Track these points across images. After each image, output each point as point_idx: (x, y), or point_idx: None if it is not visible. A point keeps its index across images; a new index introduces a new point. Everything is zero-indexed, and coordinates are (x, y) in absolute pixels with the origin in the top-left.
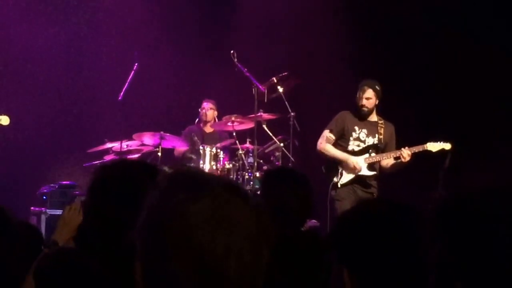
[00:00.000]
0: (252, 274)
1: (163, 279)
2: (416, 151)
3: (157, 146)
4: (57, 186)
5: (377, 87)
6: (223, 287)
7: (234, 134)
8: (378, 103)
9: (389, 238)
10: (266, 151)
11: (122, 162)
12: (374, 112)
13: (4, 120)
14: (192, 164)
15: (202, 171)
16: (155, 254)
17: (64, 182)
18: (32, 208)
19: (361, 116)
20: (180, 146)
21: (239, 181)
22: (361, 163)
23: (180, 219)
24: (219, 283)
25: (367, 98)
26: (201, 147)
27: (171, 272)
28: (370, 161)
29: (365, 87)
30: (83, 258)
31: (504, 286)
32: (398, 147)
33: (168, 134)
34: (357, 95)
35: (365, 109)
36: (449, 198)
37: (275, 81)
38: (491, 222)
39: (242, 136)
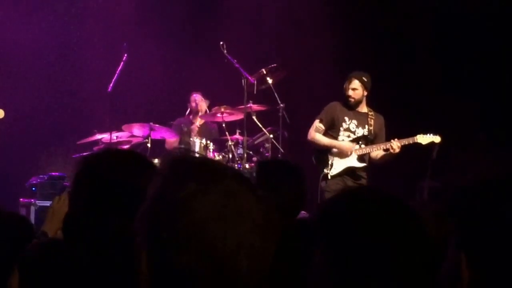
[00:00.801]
0: (262, 267)
1: (172, 271)
2: (406, 143)
3: (146, 137)
4: (46, 178)
5: (364, 78)
6: (235, 280)
7: (224, 125)
8: (368, 94)
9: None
10: (256, 142)
11: (107, 151)
12: (364, 103)
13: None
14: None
15: (206, 158)
16: (164, 245)
17: (54, 174)
18: (21, 199)
19: (350, 106)
20: (169, 137)
21: None
22: (353, 148)
23: (189, 211)
24: (231, 277)
25: (353, 89)
26: (191, 139)
27: (181, 264)
28: (360, 153)
29: (352, 78)
30: (67, 249)
31: None
32: (388, 139)
33: (157, 125)
34: (344, 86)
35: (351, 99)
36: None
37: (265, 72)
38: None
39: (231, 127)
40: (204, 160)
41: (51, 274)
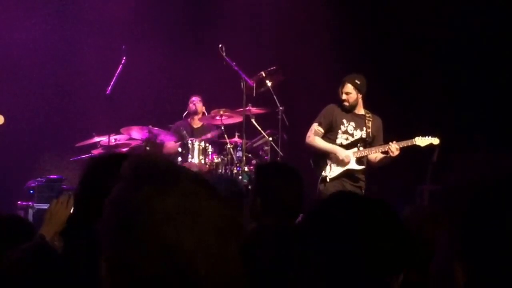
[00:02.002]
0: (222, 268)
1: (130, 276)
2: (405, 145)
3: (145, 140)
4: (44, 180)
5: (357, 81)
6: (192, 282)
7: (222, 128)
8: (363, 96)
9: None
10: (255, 145)
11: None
12: (361, 105)
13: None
14: (180, 159)
15: (166, 160)
16: (121, 251)
17: (52, 176)
18: (19, 202)
19: (346, 109)
20: (168, 140)
21: (228, 175)
22: (350, 156)
23: (146, 214)
24: (190, 279)
25: (347, 93)
26: (189, 141)
27: (137, 268)
28: (358, 155)
29: (345, 82)
30: (50, 254)
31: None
32: (386, 141)
33: (156, 128)
34: (339, 90)
35: (346, 103)
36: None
37: (264, 75)
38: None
39: (230, 130)
40: (162, 163)
41: (29, 279)
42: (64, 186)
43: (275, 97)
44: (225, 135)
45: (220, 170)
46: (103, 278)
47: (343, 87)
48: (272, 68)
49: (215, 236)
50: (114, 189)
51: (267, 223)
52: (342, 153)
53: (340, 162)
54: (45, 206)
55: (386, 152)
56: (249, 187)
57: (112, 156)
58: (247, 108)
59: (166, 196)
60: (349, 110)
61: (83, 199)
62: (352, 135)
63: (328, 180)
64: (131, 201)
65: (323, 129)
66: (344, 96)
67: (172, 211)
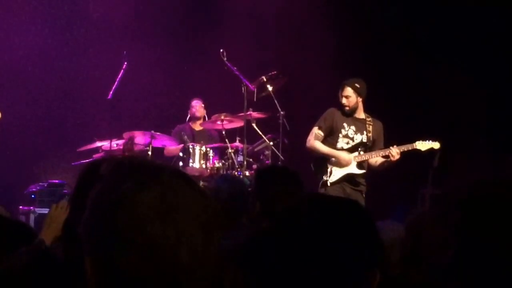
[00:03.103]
0: (204, 261)
1: (114, 272)
2: (405, 150)
3: (147, 145)
4: (46, 185)
5: (356, 84)
6: (175, 275)
7: (224, 133)
8: (363, 100)
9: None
10: (256, 149)
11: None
12: (361, 109)
13: None
14: (181, 163)
15: (148, 159)
16: (103, 247)
17: (53, 181)
18: (20, 207)
19: (346, 113)
20: (170, 145)
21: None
22: (350, 160)
23: (128, 208)
24: (172, 272)
25: (346, 97)
26: (190, 146)
27: (121, 264)
28: (359, 160)
29: (344, 85)
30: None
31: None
32: (387, 145)
33: (158, 133)
34: (339, 94)
35: (346, 107)
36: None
37: (265, 80)
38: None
39: (231, 134)
40: (142, 160)
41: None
42: (66, 191)
43: (276, 101)
44: (226, 140)
45: (221, 174)
46: (88, 276)
47: (342, 90)
48: (273, 72)
49: (197, 229)
50: (95, 187)
51: (266, 226)
52: (343, 156)
53: (341, 166)
54: (46, 211)
55: (386, 156)
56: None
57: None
58: (248, 113)
59: (147, 190)
60: (349, 114)
61: (77, 204)
62: (352, 139)
63: (328, 184)
64: (112, 196)
65: (324, 133)
66: (344, 100)
67: (153, 204)
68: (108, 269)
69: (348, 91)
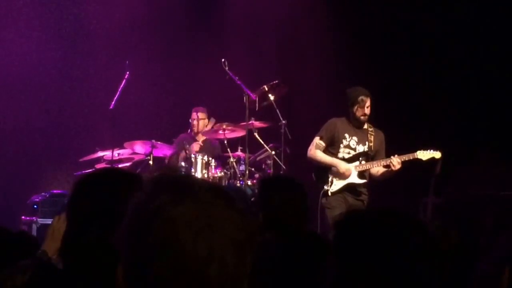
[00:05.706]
0: (235, 280)
1: (144, 281)
2: (406, 159)
3: (148, 154)
4: (48, 195)
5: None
6: None
7: (226, 142)
8: None
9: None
10: (258, 159)
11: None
12: None
13: None
14: (183, 172)
15: (187, 174)
16: (137, 257)
17: (56, 191)
18: (23, 217)
19: (358, 124)
20: (171, 154)
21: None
22: (351, 170)
23: (162, 221)
24: (201, 286)
25: (368, 107)
26: (192, 155)
27: (153, 274)
28: (360, 169)
29: (364, 97)
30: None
31: None
32: (388, 154)
33: (159, 143)
34: (355, 106)
35: (366, 117)
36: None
37: (266, 89)
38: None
39: (233, 144)
40: (182, 175)
41: None
42: None
43: (277, 110)
44: (228, 149)
45: (223, 185)
46: (118, 284)
47: (365, 102)
48: (274, 81)
49: (230, 247)
50: (132, 200)
51: (270, 237)
52: (342, 166)
53: (341, 176)
54: (49, 221)
55: (388, 166)
56: (252, 200)
57: (100, 172)
58: (250, 122)
59: (182, 204)
60: (357, 125)
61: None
62: (354, 149)
63: (329, 194)
64: (149, 208)
65: (325, 143)
66: (367, 111)
67: (187, 218)
68: (139, 279)
69: (369, 101)
